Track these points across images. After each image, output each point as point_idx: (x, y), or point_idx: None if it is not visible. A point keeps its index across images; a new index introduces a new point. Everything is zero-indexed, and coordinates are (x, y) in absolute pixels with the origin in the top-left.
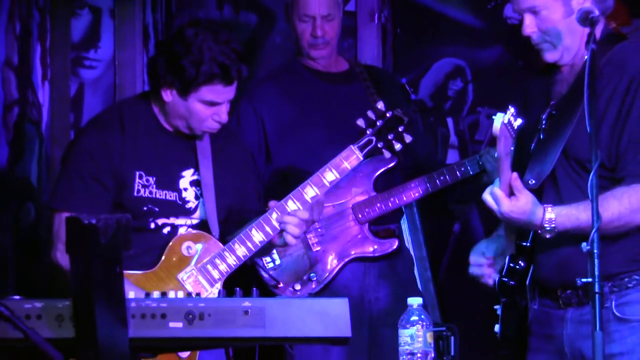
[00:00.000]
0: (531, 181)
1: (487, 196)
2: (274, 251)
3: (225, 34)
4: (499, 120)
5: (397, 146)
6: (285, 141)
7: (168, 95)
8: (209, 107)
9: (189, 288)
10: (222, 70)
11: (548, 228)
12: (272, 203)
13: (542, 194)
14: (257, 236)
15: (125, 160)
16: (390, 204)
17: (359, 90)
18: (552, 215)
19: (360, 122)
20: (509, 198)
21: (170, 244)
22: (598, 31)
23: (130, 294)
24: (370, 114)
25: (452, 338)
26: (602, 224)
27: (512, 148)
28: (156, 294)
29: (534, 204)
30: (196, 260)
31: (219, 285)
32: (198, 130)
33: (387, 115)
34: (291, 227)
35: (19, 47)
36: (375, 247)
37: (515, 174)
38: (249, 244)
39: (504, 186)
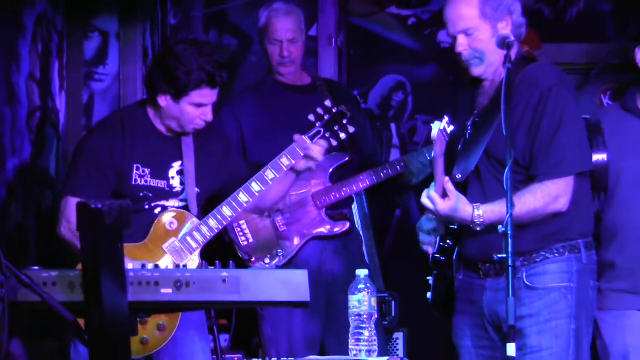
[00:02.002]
0: (458, 176)
1: (424, 199)
2: (248, 231)
3: (208, 48)
4: (436, 127)
5: (342, 135)
6: (259, 142)
7: (163, 101)
8: (197, 109)
9: (172, 256)
10: (208, 77)
11: (478, 222)
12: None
13: (467, 187)
14: (227, 212)
15: (125, 156)
16: (343, 193)
17: (319, 100)
18: (481, 212)
19: (311, 117)
20: (442, 199)
21: (156, 221)
22: (513, 53)
23: (129, 265)
24: (319, 109)
25: (393, 303)
26: (520, 215)
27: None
28: (150, 266)
29: (464, 203)
30: (178, 233)
31: (197, 253)
32: (188, 129)
33: (333, 110)
34: (316, 153)
35: (40, 63)
36: (331, 227)
37: (447, 178)
38: (220, 218)
39: (438, 188)
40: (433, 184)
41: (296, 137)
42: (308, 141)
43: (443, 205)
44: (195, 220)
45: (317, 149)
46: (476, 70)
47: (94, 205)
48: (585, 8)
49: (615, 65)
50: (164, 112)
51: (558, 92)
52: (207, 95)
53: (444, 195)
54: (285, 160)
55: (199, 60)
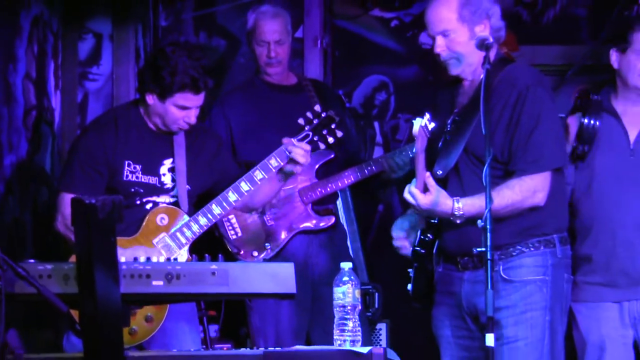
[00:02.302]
0: (439, 172)
1: (406, 194)
2: (237, 225)
3: (198, 53)
4: (417, 123)
5: (330, 139)
6: (248, 140)
7: (150, 99)
8: (181, 111)
9: (162, 251)
10: (191, 82)
11: (457, 215)
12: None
13: (447, 182)
14: (217, 210)
15: (117, 152)
16: (328, 189)
17: (305, 99)
18: (460, 205)
19: (301, 121)
20: (423, 194)
21: (148, 216)
22: (492, 54)
23: (122, 258)
24: (308, 114)
25: (376, 294)
26: (498, 209)
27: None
28: (142, 259)
29: (444, 197)
30: (168, 229)
31: (186, 248)
32: (172, 128)
33: (322, 115)
34: (298, 156)
35: (36, 63)
36: (317, 222)
37: (428, 173)
38: (210, 216)
39: (419, 183)
40: (414, 179)
41: (285, 140)
42: (297, 144)
43: (424, 200)
44: (185, 216)
45: (301, 152)
46: (454, 70)
47: (87, 200)
48: (561, 12)
49: (590, 67)
50: (151, 110)
51: (535, 91)
52: (190, 99)
53: (425, 190)
54: (273, 162)
55: (186, 63)
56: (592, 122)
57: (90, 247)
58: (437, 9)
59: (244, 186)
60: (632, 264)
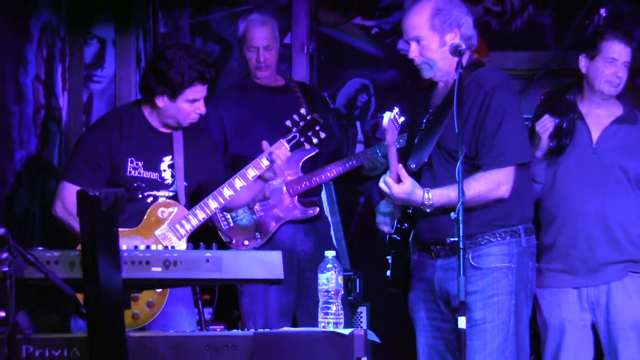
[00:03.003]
0: (412, 166)
1: (381, 184)
2: (229, 216)
3: (194, 49)
4: (387, 116)
5: (314, 140)
6: (239, 135)
7: (161, 102)
8: (192, 104)
9: (162, 242)
10: (199, 74)
11: (428, 204)
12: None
13: (421, 176)
14: (213, 204)
15: (121, 149)
16: (313, 182)
17: (292, 100)
18: (430, 195)
19: (288, 123)
20: (397, 184)
21: (149, 209)
22: (465, 60)
23: (123, 247)
24: (295, 116)
25: (358, 280)
26: (466, 200)
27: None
28: (142, 247)
29: (416, 187)
30: (168, 221)
31: (184, 240)
32: (185, 123)
33: (308, 118)
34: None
35: (45, 66)
36: (303, 213)
37: (400, 165)
38: (207, 210)
39: (393, 174)
40: (389, 171)
41: (265, 145)
42: (285, 145)
43: (398, 189)
44: (184, 210)
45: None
46: (426, 74)
47: (92, 193)
48: (527, 20)
49: (555, 71)
50: (162, 112)
51: (500, 92)
52: (199, 91)
53: (399, 180)
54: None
55: (188, 60)
56: (568, 121)
57: (94, 236)
58: (412, 17)
59: (238, 182)
60: (591, 253)
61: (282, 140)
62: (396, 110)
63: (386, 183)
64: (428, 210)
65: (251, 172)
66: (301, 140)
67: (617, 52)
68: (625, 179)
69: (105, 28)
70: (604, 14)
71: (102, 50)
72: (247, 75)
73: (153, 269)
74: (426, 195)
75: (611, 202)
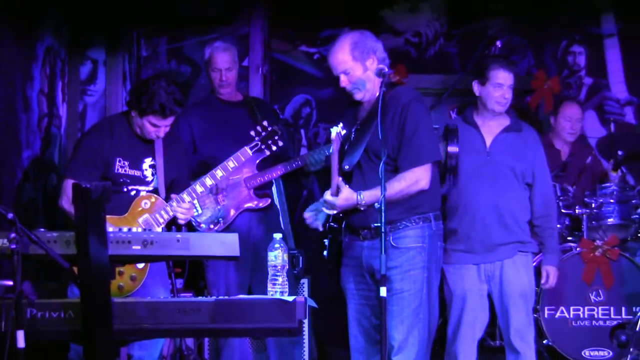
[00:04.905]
0: (346, 167)
1: (325, 202)
2: (197, 205)
3: (173, 87)
4: (334, 130)
5: (274, 147)
6: (206, 142)
7: (133, 114)
8: (152, 127)
9: (145, 228)
10: (160, 109)
11: (362, 204)
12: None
13: (352, 176)
14: (187, 198)
15: (111, 151)
16: (266, 178)
17: (249, 112)
18: (362, 196)
19: (252, 133)
20: (336, 195)
21: (135, 200)
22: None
23: (110, 229)
24: (258, 128)
25: (300, 257)
26: (391, 195)
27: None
28: (125, 229)
29: (350, 193)
30: (149, 211)
31: (162, 226)
32: (147, 137)
33: (269, 129)
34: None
35: (48, 82)
36: (257, 203)
37: (340, 178)
38: (181, 202)
39: (333, 182)
40: (328, 190)
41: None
42: (248, 151)
43: (339, 201)
44: (163, 202)
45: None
46: (358, 96)
47: (84, 185)
48: (439, 49)
49: (460, 91)
50: (133, 121)
51: (415, 105)
52: (159, 121)
53: (337, 190)
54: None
55: (161, 94)
56: (453, 147)
57: (86, 219)
58: (335, 55)
59: (208, 181)
60: (487, 236)
61: (246, 147)
62: (340, 125)
63: (328, 201)
64: (362, 208)
65: (219, 173)
66: (262, 147)
67: (502, 77)
68: (513, 176)
69: (98, 51)
70: (499, 45)
71: (94, 69)
72: (212, 92)
73: (134, 247)
74: (359, 197)
75: (502, 195)
